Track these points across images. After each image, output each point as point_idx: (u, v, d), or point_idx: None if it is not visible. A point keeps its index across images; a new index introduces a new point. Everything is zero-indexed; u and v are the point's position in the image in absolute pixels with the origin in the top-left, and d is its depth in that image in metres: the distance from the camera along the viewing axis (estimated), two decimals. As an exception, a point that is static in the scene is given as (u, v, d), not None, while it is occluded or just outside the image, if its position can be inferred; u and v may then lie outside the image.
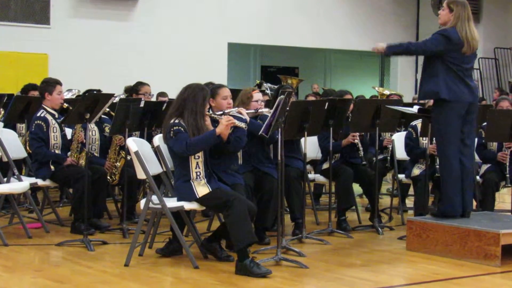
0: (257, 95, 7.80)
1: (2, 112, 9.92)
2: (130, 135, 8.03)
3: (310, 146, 8.66)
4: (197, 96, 6.69)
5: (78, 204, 7.96)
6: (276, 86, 13.51)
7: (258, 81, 16.44)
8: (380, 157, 9.51)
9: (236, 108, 7.26)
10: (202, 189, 6.61)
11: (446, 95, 7.22)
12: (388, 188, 12.01)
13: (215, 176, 6.77)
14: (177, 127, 6.61)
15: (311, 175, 9.32)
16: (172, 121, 6.67)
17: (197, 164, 6.66)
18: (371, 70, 25.05)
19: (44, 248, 7.56)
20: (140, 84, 9.70)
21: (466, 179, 7.38)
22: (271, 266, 6.52)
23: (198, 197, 6.60)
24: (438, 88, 7.26)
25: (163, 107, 8.83)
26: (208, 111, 7.07)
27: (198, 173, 6.65)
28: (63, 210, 9.70)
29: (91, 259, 6.94)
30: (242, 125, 6.70)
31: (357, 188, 9.04)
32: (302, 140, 7.98)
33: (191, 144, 6.54)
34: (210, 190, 6.60)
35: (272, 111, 6.75)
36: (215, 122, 7.19)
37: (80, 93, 11.47)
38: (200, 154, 6.66)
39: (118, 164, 8.60)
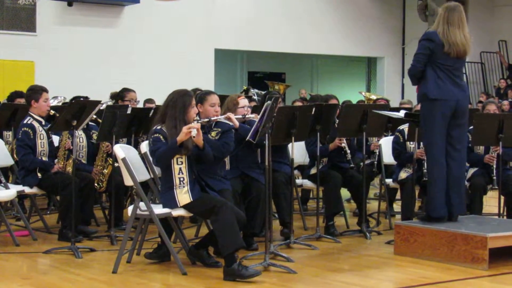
0: (243, 101, 7.82)
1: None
2: (117, 142, 8.02)
3: (298, 151, 8.67)
4: (177, 102, 6.65)
5: (65, 211, 7.94)
6: (263, 92, 13.54)
7: (245, 87, 16.45)
8: (367, 161, 9.52)
9: (224, 115, 7.29)
10: (183, 197, 6.58)
11: (434, 94, 7.30)
12: (376, 192, 12.03)
13: (201, 183, 6.74)
14: (156, 135, 6.60)
15: (299, 180, 9.33)
16: (154, 127, 6.67)
17: (180, 169, 6.62)
18: (358, 75, 25.12)
19: (31, 255, 7.53)
20: (125, 90, 9.67)
21: (453, 183, 7.40)
22: (260, 271, 6.53)
23: (179, 206, 6.60)
24: (427, 89, 7.36)
25: (150, 114, 8.82)
26: (196, 117, 7.07)
27: (182, 179, 6.62)
28: (50, 217, 9.66)
29: (79, 267, 6.92)
30: (193, 132, 6.47)
31: (344, 193, 9.05)
32: (290, 145, 7.98)
33: (158, 155, 6.55)
34: (191, 200, 6.58)
35: (259, 116, 6.76)
36: (202, 129, 7.19)
37: (66, 100, 11.44)
38: (183, 159, 6.62)
39: (105, 171, 8.58)
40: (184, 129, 6.46)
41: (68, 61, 17.67)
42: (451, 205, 7.42)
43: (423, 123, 7.51)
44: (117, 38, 18.45)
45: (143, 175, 6.96)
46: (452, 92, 7.34)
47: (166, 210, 6.63)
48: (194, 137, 6.46)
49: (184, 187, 6.60)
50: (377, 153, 9.58)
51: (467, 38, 7.41)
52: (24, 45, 17.33)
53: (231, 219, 6.38)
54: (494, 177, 8.73)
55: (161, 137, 6.59)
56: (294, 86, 21.61)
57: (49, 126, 8.06)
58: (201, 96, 7.34)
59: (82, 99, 9.14)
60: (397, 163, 9.01)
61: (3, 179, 8.24)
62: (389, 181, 9.23)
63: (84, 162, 8.67)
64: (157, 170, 7.01)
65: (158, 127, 6.65)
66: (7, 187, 8.18)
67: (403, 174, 8.79)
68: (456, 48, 7.32)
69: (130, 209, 6.83)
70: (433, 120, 7.34)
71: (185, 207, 6.61)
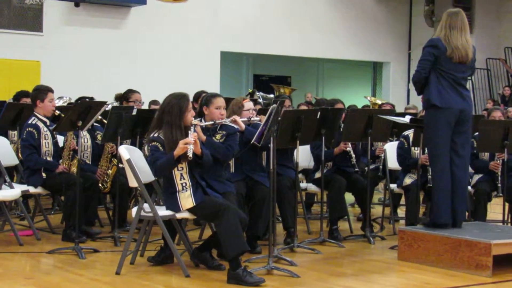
0: (248, 104, 7.81)
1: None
2: (121, 143, 8.02)
3: (303, 155, 8.66)
4: (173, 107, 6.56)
5: (69, 211, 7.95)
6: (268, 95, 13.52)
7: (250, 90, 16.44)
8: (372, 166, 9.51)
9: (230, 118, 7.29)
10: (186, 202, 6.56)
11: (436, 101, 7.30)
12: (380, 197, 12.02)
13: (203, 186, 6.71)
14: (154, 143, 6.55)
15: (303, 184, 9.32)
16: (151, 135, 6.63)
17: (181, 175, 6.59)
18: (364, 80, 25.10)
19: (35, 255, 7.53)
20: (130, 91, 9.69)
21: (458, 189, 7.39)
22: (263, 275, 6.50)
23: (182, 210, 6.58)
24: (429, 95, 7.36)
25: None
26: (200, 120, 7.06)
27: (184, 184, 6.59)
28: (54, 217, 9.67)
29: (82, 267, 6.93)
30: (189, 152, 6.42)
31: (349, 197, 9.03)
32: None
33: (156, 168, 6.55)
34: (194, 204, 6.55)
35: (264, 120, 6.75)
36: (207, 131, 7.19)
37: (72, 101, 11.46)
38: (184, 165, 6.58)
39: (109, 171, 8.58)
40: (181, 144, 6.40)
41: (74, 62, 17.67)
42: (455, 212, 7.41)
43: (427, 130, 7.50)
44: (123, 39, 18.45)
45: (147, 176, 6.95)
46: (455, 101, 7.34)
47: (170, 212, 6.63)
48: (190, 157, 6.40)
49: (186, 191, 6.59)
50: (382, 158, 9.57)
51: (469, 42, 7.43)
52: (30, 45, 17.34)
53: (235, 223, 6.37)
54: (499, 184, 8.72)
55: (159, 145, 6.55)
56: (300, 89, 21.62)
57: (54, 126, 8.06)
58: (207, 98, 7.34)
59: (87, 99, 9.15)
60: (401, 169, 9.00)
61: (7, 179, 8.24)
62: (393, 186, 9.21)
63: (88, 162, 8.67)
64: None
65: (156, 135, 6.60)
66: (11, 187, 8.19)
67: (407, 180, 8.78)
68: (458, 52, 7.33)
69: (134, 210, 6.84)
70: (438, 127, 7.33)
71: (189, 210, 6.60)
